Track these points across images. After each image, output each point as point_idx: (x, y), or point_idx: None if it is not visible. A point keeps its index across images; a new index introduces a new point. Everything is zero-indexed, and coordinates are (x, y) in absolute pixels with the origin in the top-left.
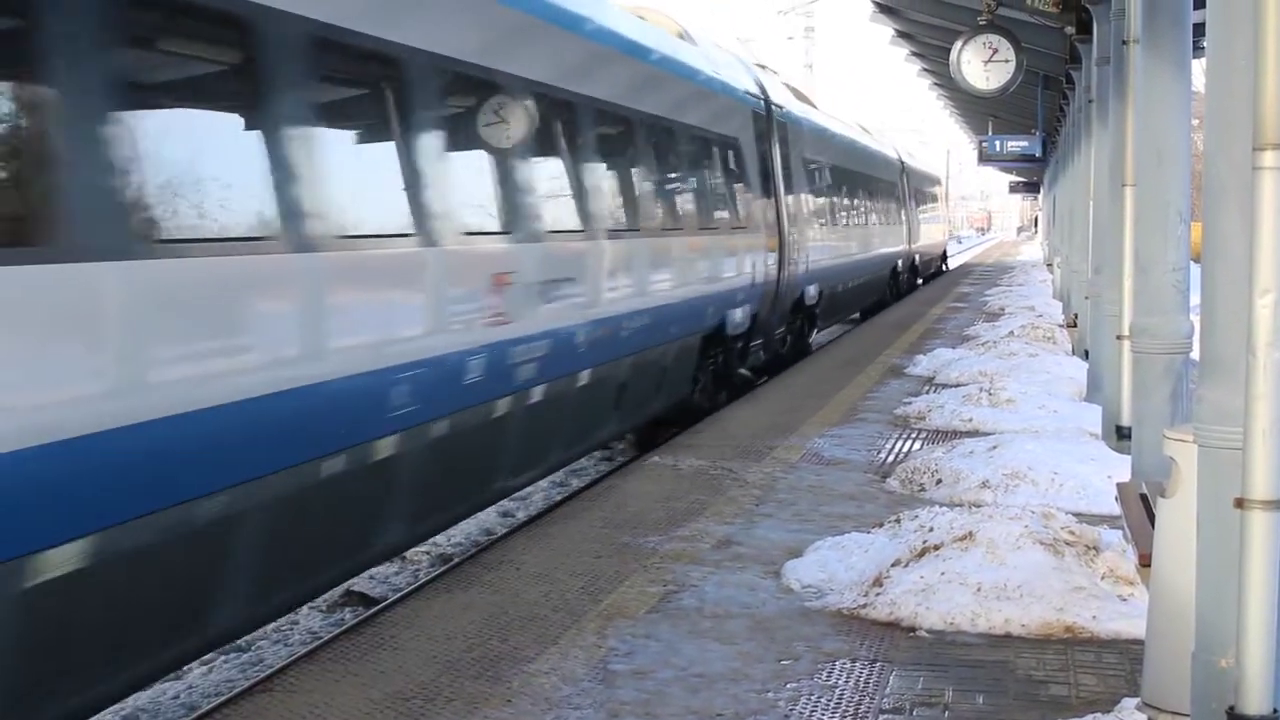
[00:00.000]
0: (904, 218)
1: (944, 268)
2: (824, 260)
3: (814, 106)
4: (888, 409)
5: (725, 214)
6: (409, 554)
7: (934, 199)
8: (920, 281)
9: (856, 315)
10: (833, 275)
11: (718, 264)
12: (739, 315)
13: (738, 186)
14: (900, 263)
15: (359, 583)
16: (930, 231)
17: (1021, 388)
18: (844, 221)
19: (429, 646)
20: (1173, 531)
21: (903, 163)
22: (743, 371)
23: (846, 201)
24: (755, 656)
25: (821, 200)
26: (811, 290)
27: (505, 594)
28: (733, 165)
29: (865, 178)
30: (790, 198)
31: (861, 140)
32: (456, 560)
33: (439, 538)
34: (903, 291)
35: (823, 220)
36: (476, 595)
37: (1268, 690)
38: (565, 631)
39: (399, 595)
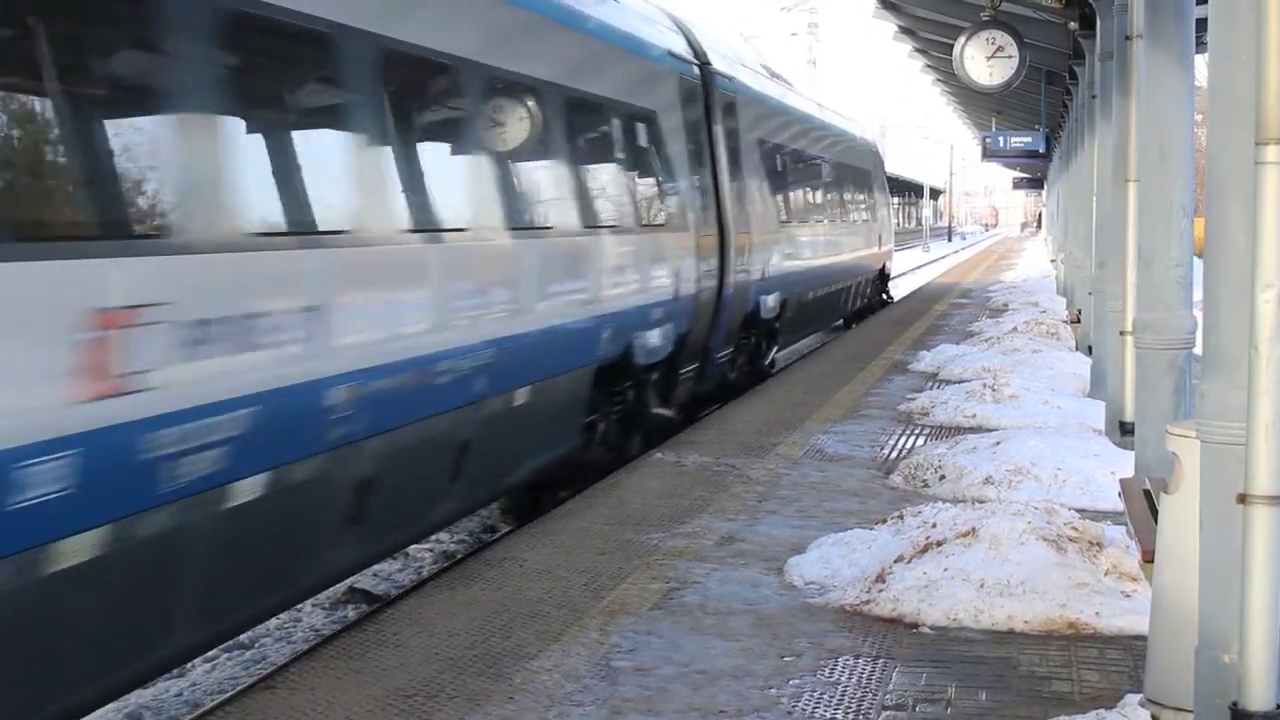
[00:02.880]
0: (714, 208)
1: (885, 297)
2: None
3: None
4: (891, 405)
5: None
6: (412, 551)
7: (861, 182)
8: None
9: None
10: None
11: None
12: None
13: None
14: (677, 335)
15: (362, 580)
16: (841, 240)
17: (1025, 383)
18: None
19: (431, 643)
20: (1176, 527)
21: (706, 72)
22: None
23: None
24: (758, 653)
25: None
26: None
27: (508, 591)
28: None
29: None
30: None
31: None
32: (459, 557)
33: (442, 534)
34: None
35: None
36: (479, 592)
37: (1271, 685)
38: (568, 628)
39: (401, 592)
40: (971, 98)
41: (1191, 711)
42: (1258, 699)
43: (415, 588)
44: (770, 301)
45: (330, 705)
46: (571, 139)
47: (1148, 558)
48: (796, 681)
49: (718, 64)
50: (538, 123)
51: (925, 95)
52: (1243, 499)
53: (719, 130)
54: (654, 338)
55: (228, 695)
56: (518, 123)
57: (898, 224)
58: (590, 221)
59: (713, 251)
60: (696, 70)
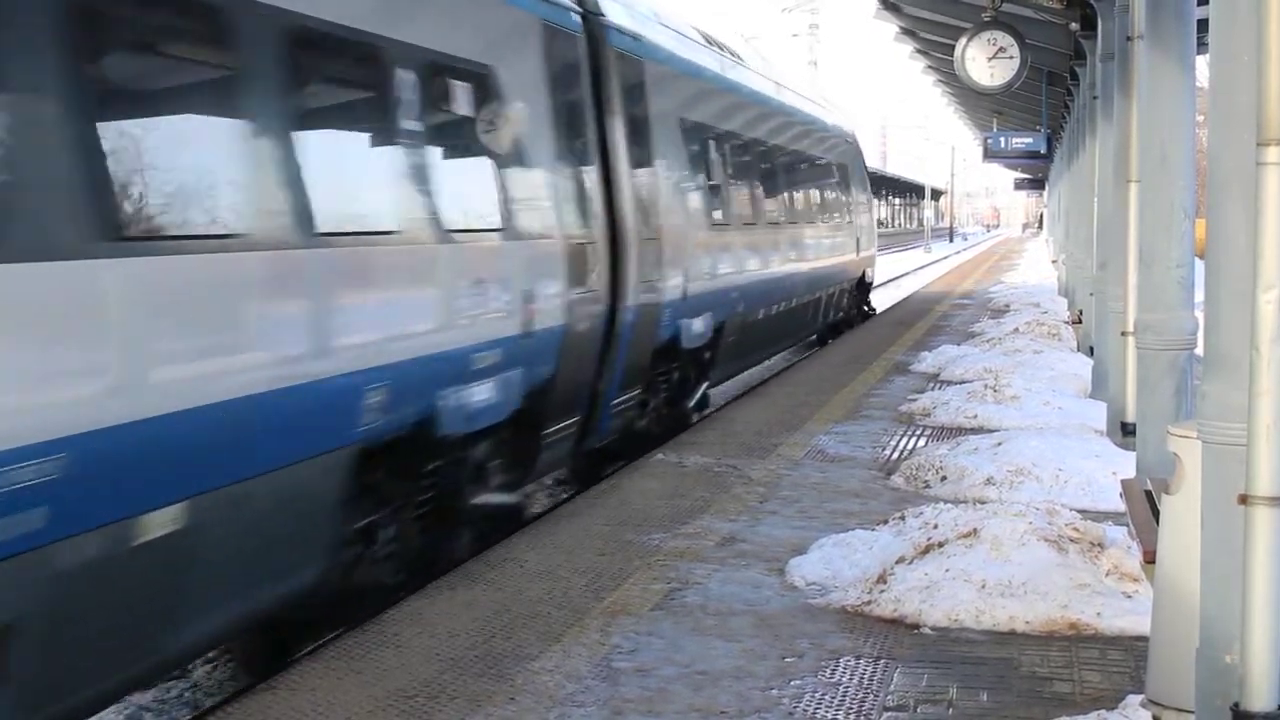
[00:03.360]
0: (604, 206)
1: (866, 309)
2: None
3: None
4: (892, 405)
5: None
6: None
7: (834, 177)
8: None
9: None
10: None
11: None
12: None
13: None
14: (532, 383)
15: None
16: (805, 245)
17: (1026, 384)
18: None
19: (432, 644)
20: (1177, 528)
21: (594, 24)
22: None
23: None
24: (759, 654)
25: None
26: None
27: (508, 591)
28: None
29: None
30: None
31: None
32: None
33: None
34: None
35: None
36: (480, 593)
37: (1273, 686)
38: (568, 629)
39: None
40: (973, 98)
41: (1193, 712)
42: (1259, 700)
43: (416, 588)
44: (697, 326)
45: (331, 706)
46: (299, 96)
47: (1149, 558)
48: (798, 682)
49: (615, 16)
50: (218, 62)
51: (926, 96)
52: (1244, 500)
53: (615, 103)
54: (482, 392)
55: (228, 695)
56: (175, 60)
57: (900, 225)
58: (337, 225)
59: (597, 263)
60: (576, 18)
